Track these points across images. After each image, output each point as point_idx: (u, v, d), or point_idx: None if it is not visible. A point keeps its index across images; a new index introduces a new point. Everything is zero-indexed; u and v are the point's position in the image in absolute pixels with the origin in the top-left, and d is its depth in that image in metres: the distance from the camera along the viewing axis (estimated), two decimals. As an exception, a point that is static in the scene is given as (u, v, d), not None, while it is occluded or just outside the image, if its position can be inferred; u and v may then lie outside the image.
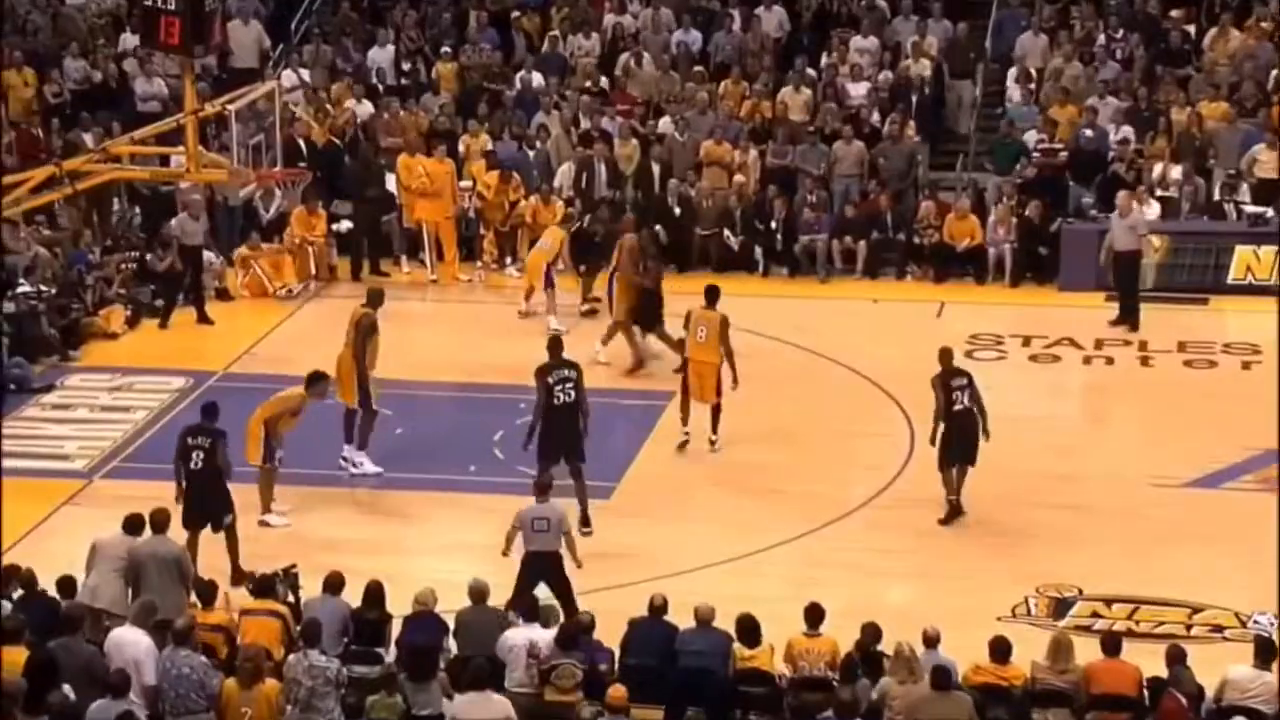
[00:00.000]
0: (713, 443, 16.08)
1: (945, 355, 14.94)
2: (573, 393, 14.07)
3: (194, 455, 13.03)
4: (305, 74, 22.89)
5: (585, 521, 14.17)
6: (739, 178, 21.51)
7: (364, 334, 15.20)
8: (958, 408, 14.55)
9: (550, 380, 14.10)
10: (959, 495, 14.63)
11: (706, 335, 15.82)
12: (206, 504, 13.02)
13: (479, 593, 11.48)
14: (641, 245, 17.63)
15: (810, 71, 22.93)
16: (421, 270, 20.88)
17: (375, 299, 15.60)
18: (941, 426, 14.43)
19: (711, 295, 16.17)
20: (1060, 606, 13.20)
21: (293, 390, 14.45)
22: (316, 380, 14.45)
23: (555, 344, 14.60)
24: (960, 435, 14.51)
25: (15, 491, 14.23)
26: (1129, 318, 18.97)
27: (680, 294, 17.30)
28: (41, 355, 18.02)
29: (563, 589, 12.32)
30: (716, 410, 15.95)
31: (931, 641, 10.99)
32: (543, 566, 12.33)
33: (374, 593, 11.42)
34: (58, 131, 21.90)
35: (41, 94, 22.72)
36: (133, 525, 11.97)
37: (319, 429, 14.98)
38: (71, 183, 18.47)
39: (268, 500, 14.20)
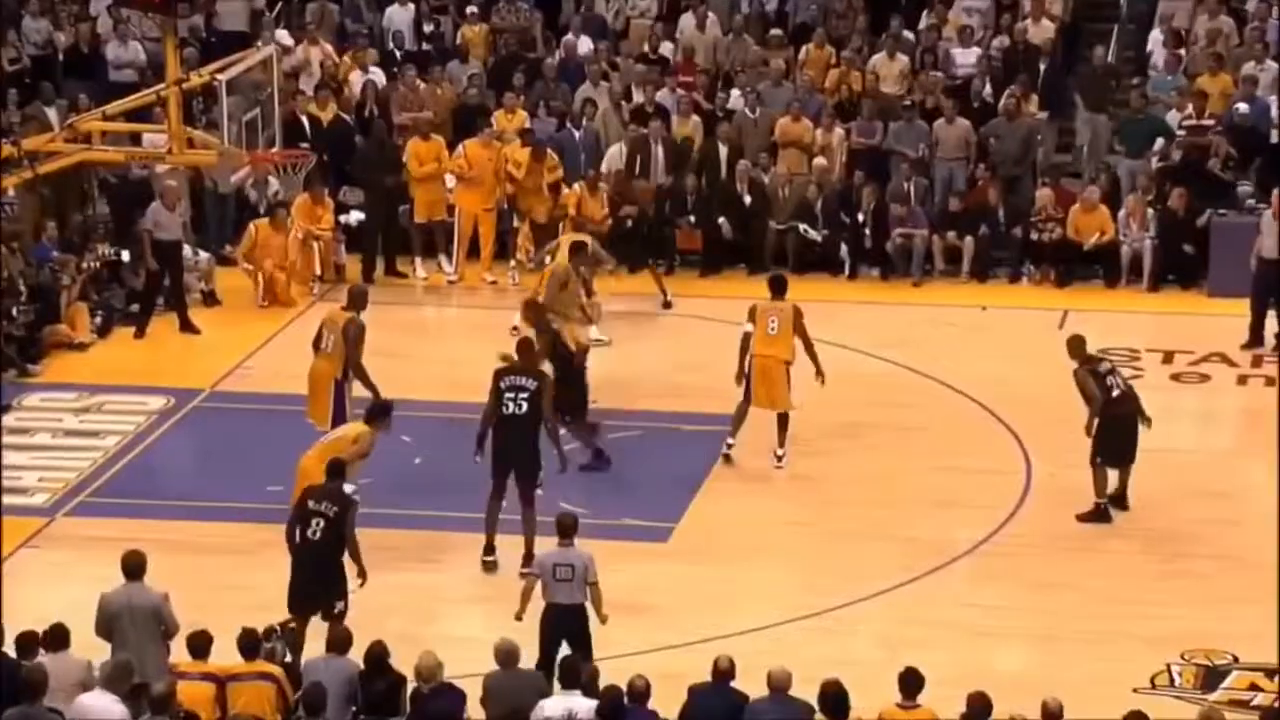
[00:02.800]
0: (779, 458, 16.20)
1: (1078, 343, 15.29)
2: (524, 405, 14.28)
3: (314, 523, 12.84)
4: (287, 37, 22.96)
5: (528, 560, 14.23)
6: (820, 160, 21.50)
7: (352, 343, 15.36)
8: (1116, 394, 14.99)
9: (502, 386, 14.38)
10: (1124, 492, 15.17)
11: (779, 327, 16.02)
12: (321, 585, 12.86)
13: (508, 655, 11.49)
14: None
15: (908, 35, 22.89)
16: (440, 271, 20.94)
17: (358, 300, 15.80)
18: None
19: (778, 285, 16.44)
20: (1211, 677, 13.11)
21: (355, 428, 14.52)
22: (383, 412, 14.56)
23: (523, 347, 14.80)
24: (1121, 427, 14.96)
25: (-36, 530, 14.37)
26: (1260, 339, 18.82)
27: (751, 298, 17.23)
28: (-7, 370, 18.20)
29: (585, 650, 12.28)
30: (785, 420, 16.10)
31: (1053, 716, 10.93)
32: (565, 621, 12.35)
33: (377, 658, 11.41)
34: (15, 105, 22.11)
35: (-2, 60, 22.98)
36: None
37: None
38: (32, 165, 18.62)
39: None
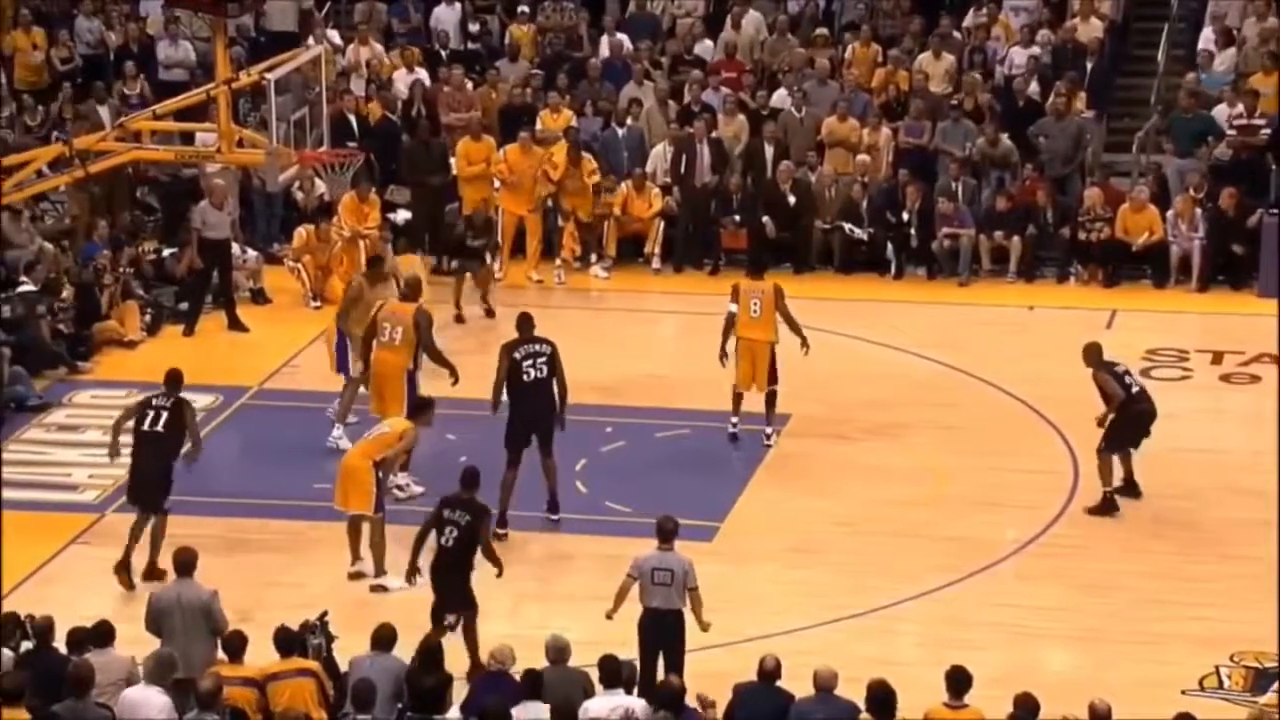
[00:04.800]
0: (768, 436, 16.40)
1: (1095, 350, 15.39)
2: (545, 368, 14.84)
3: (447, 530, 12.92)
4: (336, 36, 23.09)
5: (553, 508, 14.91)
6: (863, 157, 21.41)
7: (426, 330, 15.63)
8: (1135, 390, 15.24)
9: (517, 355, 14.86)
10: (1133, 477, 15.32)
11: (761, 309, 16.24)
12: (455, 592, 12.87)
13: (559, 651, 11.50)
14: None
15: (955, 34, 22.80)
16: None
17: (416, 289, 16.15)
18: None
19: (758, 266, 16.88)
20: (1260, 679, 13.01)
21: (400, 425, 14.55)
22: (426, 408, 14.74)
23: (525, 320, 15.17)
24: (1139, 422, 15.17)
25: (15, 527, 14.34)
26: None
27: (798, 298, 17.22)
28: (45, 367, 18.30)
29: (678, 657, 12.32)
30: (772, 398, 16.36)
31: (1101, 717, 10.87)
32: (663, 627, 12.33)
33: (432, 653, 11.46)
34: (67, 102, 22.27)
35: (50, 59, 23.12)
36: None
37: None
38: (83, 164, 18.73)
39: (382, 558, 14.25)
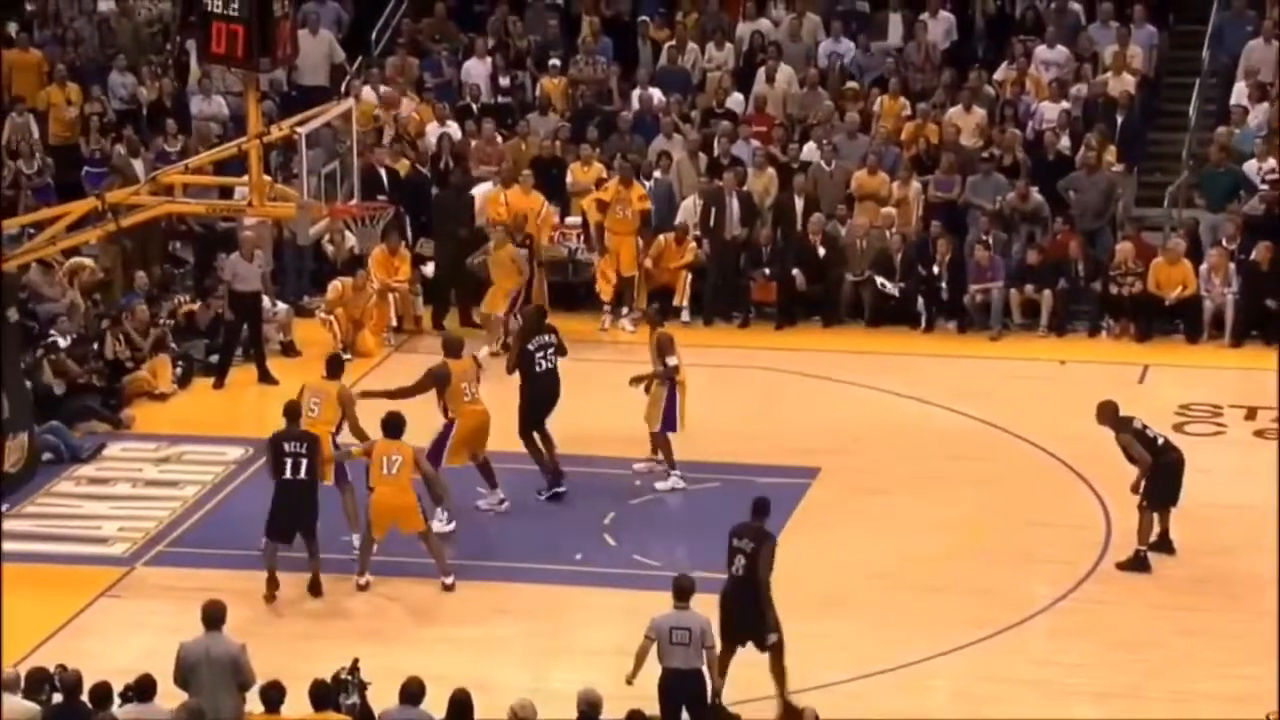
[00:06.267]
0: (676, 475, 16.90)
1: (1109, 410, 15.38)
2: (554, 359, 16.32)
3: (735, 560, 13.00)
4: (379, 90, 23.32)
5: (557, 477, 16.35)
6: (889, 210, 21.41)
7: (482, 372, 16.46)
8: (1160, 442, 15.24)
9: (530, 347, 16.29)
10: (1168, 535, 15.28)
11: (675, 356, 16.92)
12: (750, 618, 12.91)
13: (591, 705, 11.46)
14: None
15: (987, 88, 22.85)
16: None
17: (457, 347, 16.42)
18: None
19: (661, 318, 17.70)
20: (1295, 737, 12.92)
21: (405, 451, 14.86)
22: (399, 424, 15.16)
23: (539, 313, 16.86)
24: (1172, 471, 15.19)
25: (45, 580, 14.49)
26: None
27: (827, 351, 17.23)
28: (76, 420, 18.35)
29: (702, 717, 12.25)
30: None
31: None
32: (683, 687, 12.27)
33: (462, 705, 11.45)
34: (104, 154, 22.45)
35: (84, 114, 23.32)
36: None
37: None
38: (115, 218, 18.84)
39: (444, 561, 14.97)
